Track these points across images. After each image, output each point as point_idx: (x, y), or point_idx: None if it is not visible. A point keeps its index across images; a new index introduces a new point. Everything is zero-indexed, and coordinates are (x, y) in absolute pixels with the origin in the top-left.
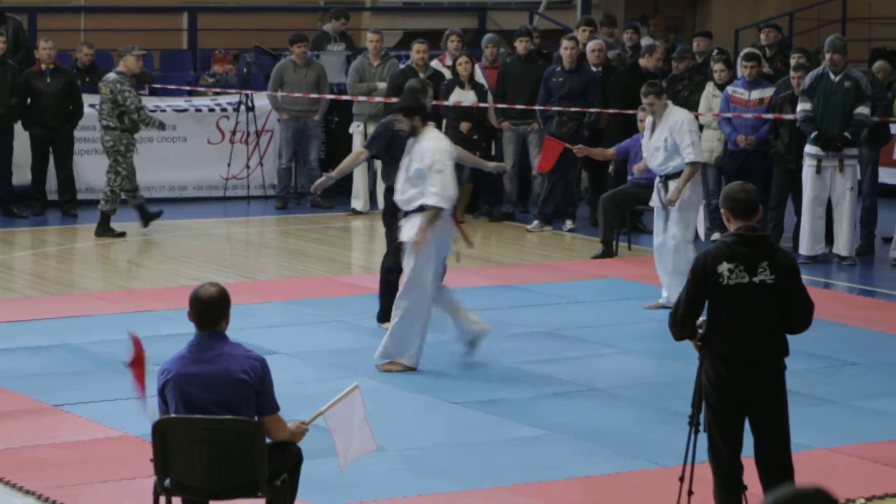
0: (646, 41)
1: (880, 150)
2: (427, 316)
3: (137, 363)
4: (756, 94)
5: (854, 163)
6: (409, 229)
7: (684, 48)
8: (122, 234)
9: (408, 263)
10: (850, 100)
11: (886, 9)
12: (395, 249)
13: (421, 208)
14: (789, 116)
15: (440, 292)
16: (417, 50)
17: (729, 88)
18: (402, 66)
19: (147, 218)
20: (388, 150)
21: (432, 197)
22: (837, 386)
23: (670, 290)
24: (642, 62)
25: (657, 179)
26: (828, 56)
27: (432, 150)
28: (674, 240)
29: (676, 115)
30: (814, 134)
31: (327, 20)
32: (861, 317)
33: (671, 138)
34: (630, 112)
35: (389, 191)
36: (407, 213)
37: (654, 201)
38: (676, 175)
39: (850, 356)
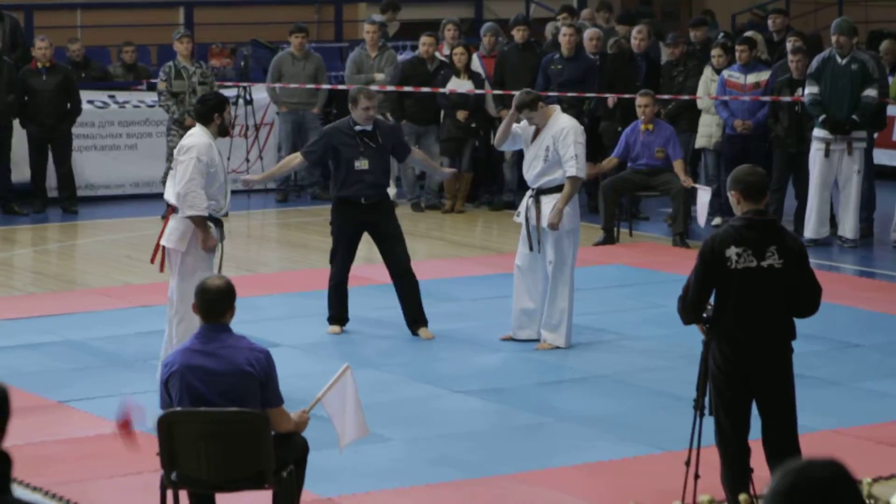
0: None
1: (876, 133)
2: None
3: (126, 428)
4: (752, 78)
5: (862, 145)
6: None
7: (677, 34)
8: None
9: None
10: (857, 82)
11: None
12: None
13: None
14: (787, 99)
15: None
16: (424, 42)
17: (725, 73)
18: (408, 56)
19: None
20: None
21: None
22: (842, 368)
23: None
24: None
25: None
26: (834, 38)
27: None
28: None
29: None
30: (822, 117)
31: (378, 12)
32: (864, 298)
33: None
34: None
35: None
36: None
37: None
38: None
39: (854, 338)
